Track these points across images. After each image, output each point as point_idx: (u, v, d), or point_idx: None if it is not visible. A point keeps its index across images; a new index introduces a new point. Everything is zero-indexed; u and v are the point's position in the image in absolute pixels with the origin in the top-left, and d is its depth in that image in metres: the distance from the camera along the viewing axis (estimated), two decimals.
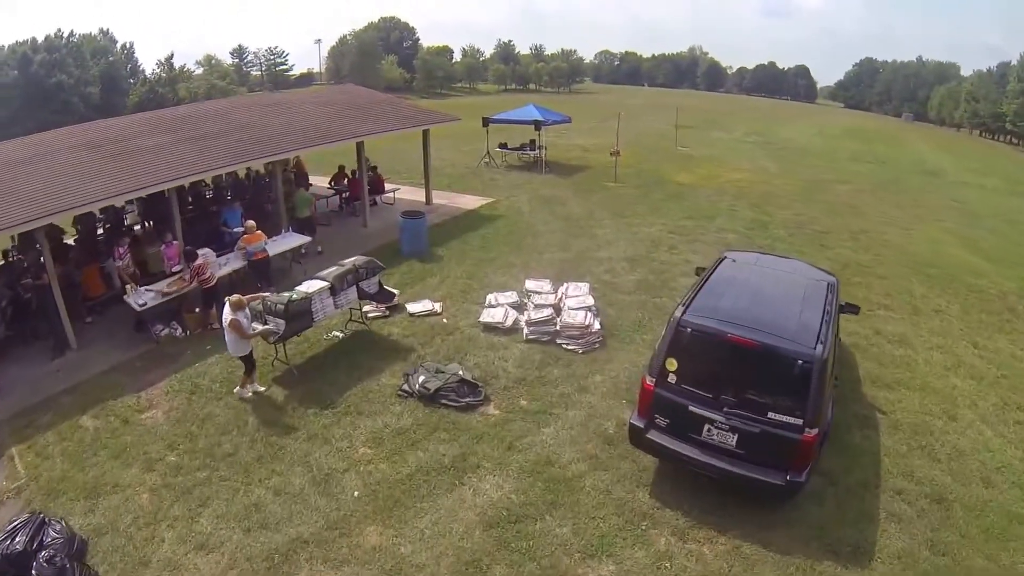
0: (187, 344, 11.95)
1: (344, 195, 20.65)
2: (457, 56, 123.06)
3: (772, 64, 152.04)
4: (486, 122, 28.48)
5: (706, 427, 7.31)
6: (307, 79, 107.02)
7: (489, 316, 12.01)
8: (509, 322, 11.85)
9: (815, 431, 6.93)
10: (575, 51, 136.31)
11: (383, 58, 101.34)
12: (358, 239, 17.54)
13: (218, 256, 13.55)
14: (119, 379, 10.79)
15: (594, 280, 14.14)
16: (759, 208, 21.56)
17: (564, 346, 11.24)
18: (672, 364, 7.38)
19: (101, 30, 70.80)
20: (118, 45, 71.80)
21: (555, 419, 9.39)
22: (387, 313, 12.62)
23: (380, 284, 12.03)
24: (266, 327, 10.01)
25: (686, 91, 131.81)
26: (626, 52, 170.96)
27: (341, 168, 21.23)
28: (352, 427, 9.28)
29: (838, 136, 50.23)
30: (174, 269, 13.10)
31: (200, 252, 12.55)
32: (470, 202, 21.59)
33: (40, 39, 60.86)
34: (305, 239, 15.45)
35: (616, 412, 9.51)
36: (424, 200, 21.31)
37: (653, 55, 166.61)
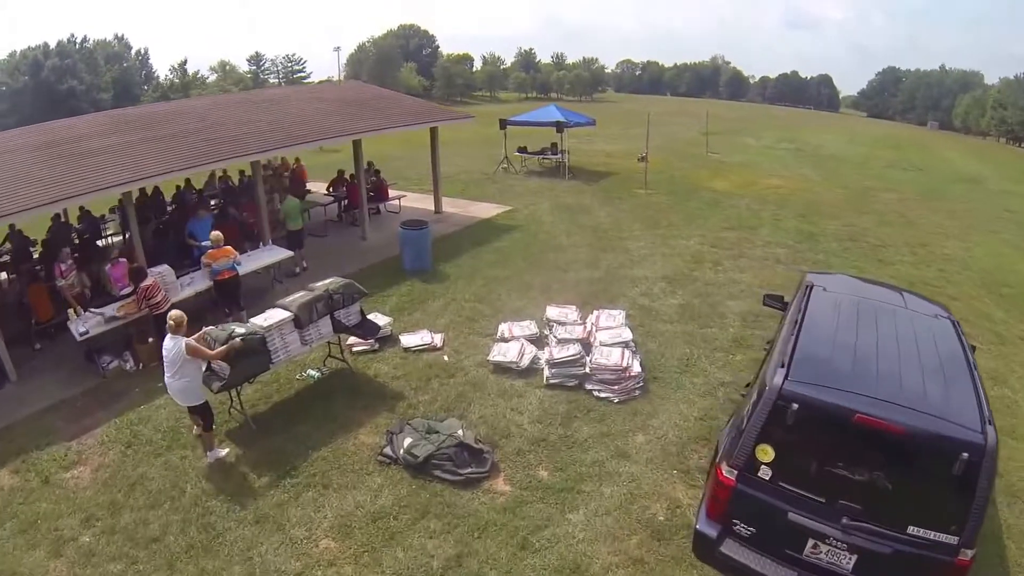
0: (137, 380, 9.88)
1: (344, 203, 18.44)
2: (477, 64, 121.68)
3: (795, 74, 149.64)
4: (504, 124, 26.37)
5: (811, 543, 4.94)
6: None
7: (501, 353, 9.66)
8: (526, 361, 9.49)
9: (972, 553, 4.58)
10: (596, 59, 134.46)
11: (402, 65, 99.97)
12: (355, 253, 15.36)
13: (185, 275, 11.41)
14: (53, 422, 8.80)
15: (629, 305, 11.86)
16: (805, 218, 19.30)
17: (596, 393, 8.88)
18: (766, 453, 4.99)
19: (116, 36, 70.04)
20: (133, 51, 70.78)
21: (585, 500, 7.02)
22: (375, 347, 10.34)
23: (362, 313, 9.71)
24: (231, 342, 7.68)
25: (708, 100, 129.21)
26: (648, 61, 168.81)
27: (340, 173, 19.13)
28: (315, 507, 7.00)
29: (869, 143, 47.63)
30: (123, 291, 10.93)
31: (154, 271, 10.40)
32: (485, 210, 19.33)
33: (52, 44, 59.84)
34: (285, 254, 13.20)
35: (666, 489, 7.16)
36: (433, 208, 19.07)
37: (675, 64, 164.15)
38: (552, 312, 10.72)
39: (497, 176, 25.40)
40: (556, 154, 26.30)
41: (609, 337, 9.54)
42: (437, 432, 7.58)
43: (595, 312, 10.58)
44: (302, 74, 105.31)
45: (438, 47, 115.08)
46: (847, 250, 16.17)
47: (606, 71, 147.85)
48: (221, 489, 7.32)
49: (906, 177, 30.59)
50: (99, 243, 15.20)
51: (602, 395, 8.82)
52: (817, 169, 30.68)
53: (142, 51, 71.98)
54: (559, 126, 25.08)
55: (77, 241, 14.46)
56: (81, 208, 15.85)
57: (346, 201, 18.27)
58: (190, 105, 18.32)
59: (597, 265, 14.34)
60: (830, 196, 23.35)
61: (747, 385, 8.05)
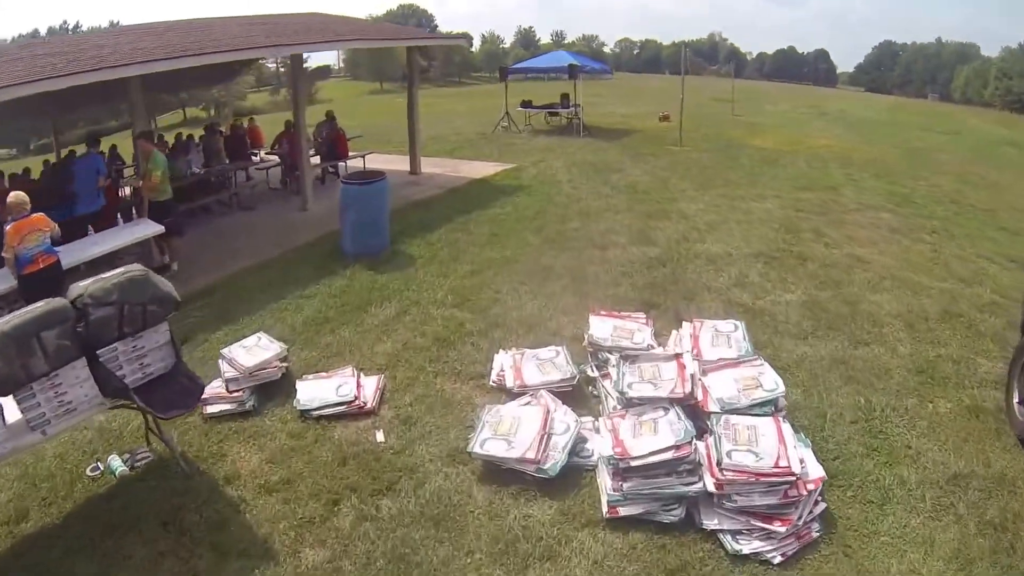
0: None
1: (286, 164, 13.25)
2: (477, 45, 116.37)
3: (792, 49, 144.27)
4: (505, 73, 21.61)
5: None
6: (325, 71, 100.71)
7: (499, 432, 4.30)
8: (557, 458, 4.17)
9: None
10: (597, 36, 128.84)
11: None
12: (283, 231, 10.27)
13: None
14: None
15: (724, 305, 6.77)
16: (882, 178, 14.40)
17: (729, 543, 3.64)
18: None
19: (111, 22, 65.03)
20: None
21: None
22: (247, 405, 5.24)
23: (174, 350, 4.38)
24: None
25: (708, 77, 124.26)
26: (646, 40, 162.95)
27: (288, 125, 13.80)
28: None
29: (888, 110, 42.67)
30: None
31: None
32: (478, 170, 14.02)
33: (43, 31, 55.27)
34: (143, 232, 7.98)
35: None
36: (408, 168, 13.80)
37: (673, 42, 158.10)
38: (600, 328, 5.33)
39: (496, 135, 20.12)
40: (568, 107, 21.02)
41: (737, 390, 4.27)
42: None
43: (685, 326, 5.31)
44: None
45: (436, 27, 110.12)
46: (960, 215, 11.40)
47: (605, 50, 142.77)
48: None
49: (946, 140, 26.20)
50: None
51: (745, 548, 3.57)
52: (853, 131, 26.27)
53: None
54: (572, 71, 19.87)
55: None
56: None
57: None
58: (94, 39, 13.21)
59: (649, 237, 9.05)
60: (887, 156, 18.76)
61: None
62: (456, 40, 15.33)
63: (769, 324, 6.33)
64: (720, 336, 5.00)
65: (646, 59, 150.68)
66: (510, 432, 4.19)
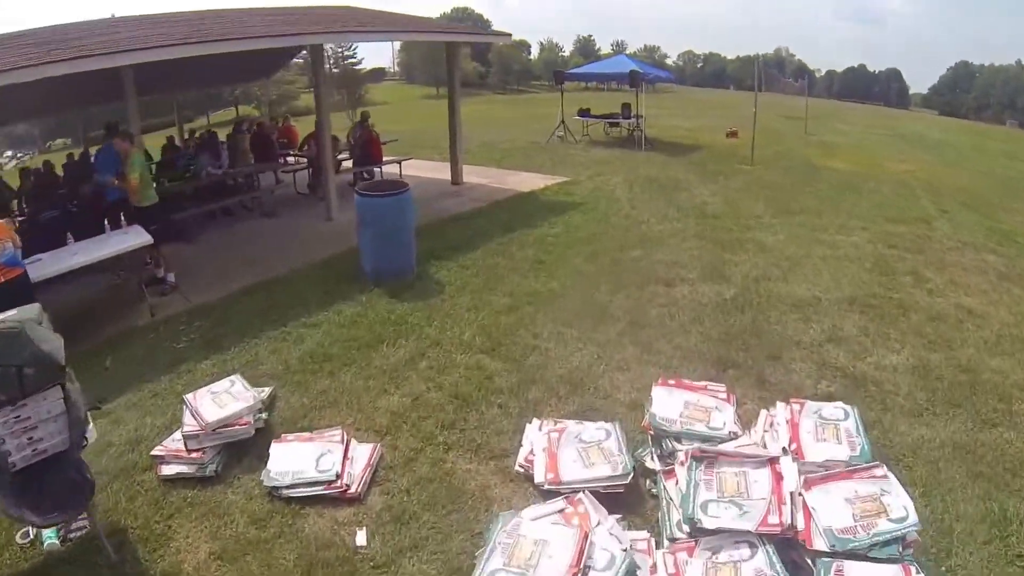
0: None
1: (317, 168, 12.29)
2: (535, 52, 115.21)
3: (862, 67, 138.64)
4: (560, 78, 20.18)
5: None
6: (379, 74, 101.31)
7: (514, 562, 3.00)
8: None
9: None
10: (659, 47, 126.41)
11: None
12: (302, 243, 9.24)
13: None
14: None
15: (816, 367, 5.38)
16: (977, 211, 12.63)
17: None
18: None
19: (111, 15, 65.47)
20: None
21: None
22: (208, 469, 4.22)
23: (69, 441, 3.21)
24: None
25: (774, 94, 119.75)
26: (710, 53, 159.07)
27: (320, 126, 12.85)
28: None
29: (968, 133, 39.83)
30: None
31: None
32: (528, 182, 12.78)
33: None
34: (135, 241, 6.98)
35: None
36: (449, 178, 12.66)
37: (738, 56, 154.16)
38: (666, 404, 4.01)
39: (551, 145, 18.84)
40: (629, 118, 19.65)
41: (852, 516, 2.99)
42: None
43: (779, 409, 3.97)
44: (353, 60, 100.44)
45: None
46: None
47: (667, 61, 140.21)
48: None
49: None
50: None
51: None
52: (934, 156, 24.27)
53: None
54: (633, 78, 18.45)
55: None
56: None
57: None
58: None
59: (723, 273, 7.65)
60: (975, 185, 16.90)
61: None
62: (499, 37, 14.14)
63: (875, 397, 4.92)
64: (826, 426, 3.68)
65: (710, 72, 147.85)
66: (529, 564, 2.93)
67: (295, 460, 4.06)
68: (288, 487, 3.91)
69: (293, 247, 8.93)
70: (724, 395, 4.12)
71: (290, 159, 13.31)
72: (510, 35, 13.45)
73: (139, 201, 7.45)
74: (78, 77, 7.04)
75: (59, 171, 11.23)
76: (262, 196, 11.40)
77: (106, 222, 7.67)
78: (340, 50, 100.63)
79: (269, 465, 4.06)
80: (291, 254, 8.58)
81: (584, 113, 20.83)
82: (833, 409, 3.85)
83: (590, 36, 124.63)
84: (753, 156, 16.31)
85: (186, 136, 14.25)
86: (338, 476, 3.91)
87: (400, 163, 12.80)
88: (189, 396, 4.59)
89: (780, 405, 3.97)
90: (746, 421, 4.14)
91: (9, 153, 45.71)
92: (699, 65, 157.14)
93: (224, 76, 16.57)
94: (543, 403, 4.68)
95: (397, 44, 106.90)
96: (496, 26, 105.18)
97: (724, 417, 3.84)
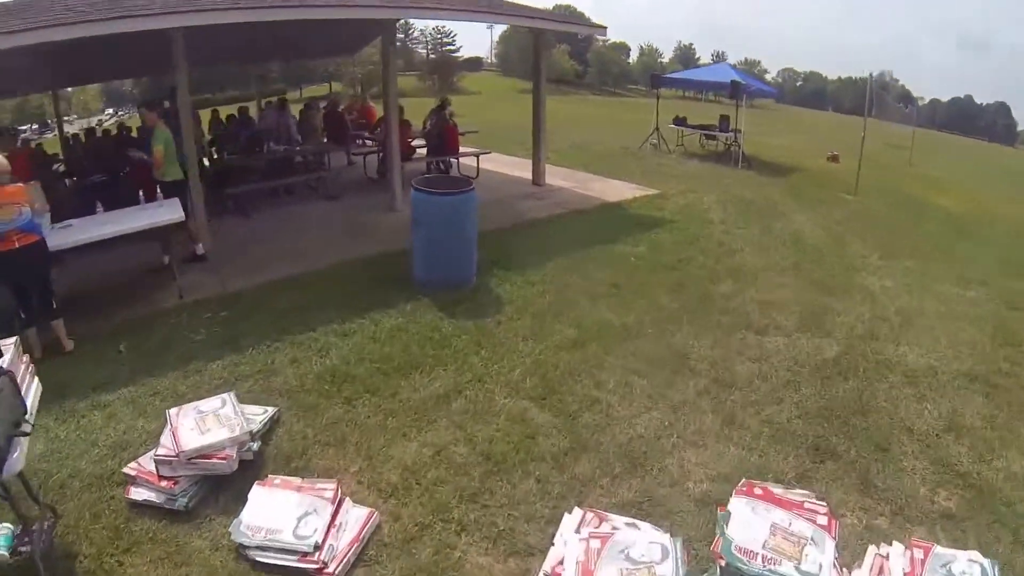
0: None
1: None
2: (634, 56, 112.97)
3: (969, 98, 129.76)
4: (656, 81, 19.08)
5: None
6: (475, 63, 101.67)
7: None
8: None
9: None
10: (759, 62, 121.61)
11: (555, 46, 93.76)
12: (357, 233, 8.49)
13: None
14: None
15: (929, 461, 4.20)
16: None
17: None
18: None
19: None
20: None
21: None
22: (176, 504, 3.59)
23: None
24: None
25: (876, 120, 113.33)
26: (810, 71, 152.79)
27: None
28: None
29: None
30: None
31: None
32: (614, 191, 11.71)
33: None
34: (169, 216, 6.40)
35: None
36: (531, 178, 11.73)
37: (839, 77, 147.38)
38: (748, 525, 2.92)
39: (643, 152, 17.70)
40: (726, 131, 18.29)
41: None
42: None
43: (894, 552, 2.90)
44: (451, 47, 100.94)
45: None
46: None
47: (767, 77, 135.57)
48: None
49: None
50: None
51: None
52: None
53: None
54: (735, 89, 17.03)
55: None
56: None
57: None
58: None
59: (824, 323, 6.42)
60: None
61: None
62: (593, 29, 13.04)
63: (1006, 523, 3.69)
64: None
65: (809, 91, 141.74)
66: None
67: (274, 515, 3.26)
68: (257, 548, 3.12)
69: (344, 237, 8.24)
70: (824, 518, 3.03)
71: (366, 142, 12.69)
72: (605, 28, 12.30)
73: (162, 175, 7.06)
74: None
75: None
76: (328, 178, 10.77)
77: (141, 193, 7.20)
78: (439, 36, 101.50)
79: (243, 514, 3.29)
80: (341, 244, 7.89)
81: (680, 122, 19.59)
82: (967, 565, 2.75)
83: (691, 44, 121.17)
84: (857, 185, 14.82)
85: (262, 107, 13.88)
86: (317, 548, 3.09)
87: (478, 156, 11.95)
88: (173, 412, 3.87)
89: (896, 548, 2.90)
90: (843, 543, 3.07)
91: (110, 111, 47.64)
92: (798, 83, 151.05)
93: (303, 50, 16.19)
94: (592, 483, 3.70)
95: (495, 35, 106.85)
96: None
97: (821, 557, 2.77)
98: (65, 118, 19.66)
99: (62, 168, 10.07)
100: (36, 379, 3.30)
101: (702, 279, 7.34)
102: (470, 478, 3.71)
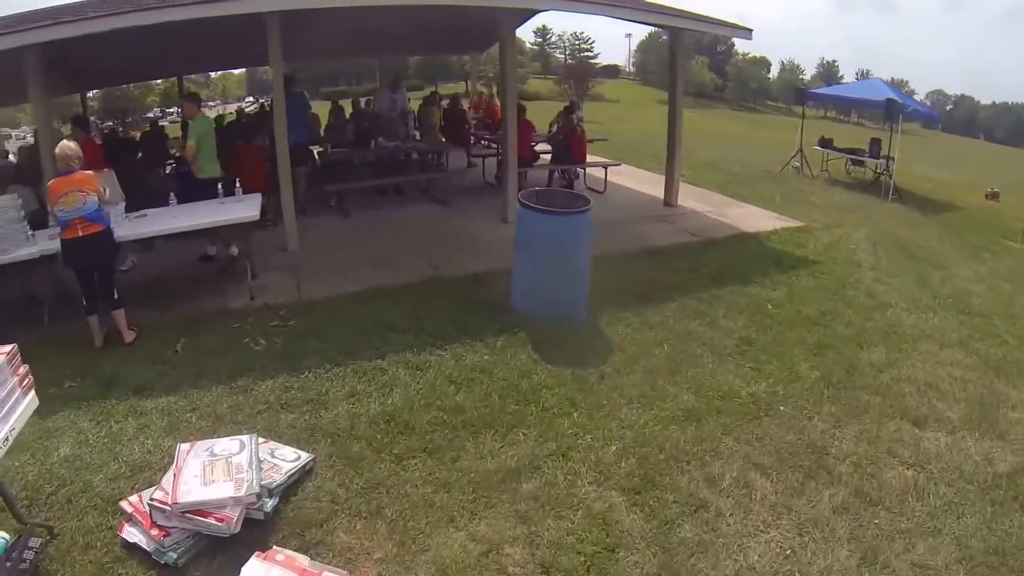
0: None
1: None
2: (775, 72, 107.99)
3: None
4: (804, 96, 17.73)
5: None
6: (613, 70, 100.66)
7: None
8: None
9: None
10: (907, 82, 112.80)
11: (694, 58, 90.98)
12: (459, 245, 7.87)
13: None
14: None
15: None
16: None
17: None
18: None
19: None
20: None
21: None
22: (163, 559, 3.00)
23: None
24: None
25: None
26: (962, 95, 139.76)
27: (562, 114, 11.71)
28: None
29: None
30: None
31: None
32: (753, 219, 10.38)
33: None
34: (246, 213, 5.99)
35: None
36: (662, 198, 10.65)
37: (993, 103, 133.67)
38: None
39: (784, 175, 16.15)
40: (877, 158, 16.33)
41: None
42: None
43: None
44: (589, 54, 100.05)
45: (733, 44, 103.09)
46: None
47: (915, 98, 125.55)
48: None
49: None
50: None
51: None
52: None
53: None
54: (890, 108, 15.01)
55: None
56: None
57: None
58: None
59: (996, 421, 4.79)
60: None
61: None
62: (736, 31, 11.63)
63: None
64: None
65: (960, 117, 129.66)
66: None
67: None
68: None
69: (446, 247, 7.54)
70: None
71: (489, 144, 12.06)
72: (750, 31, 10.95)
73: (197, 171, 6.72)
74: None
75: None
76: (440, 179, 10.16)
77: (220, 187, 6.87)
78: (577, 41, 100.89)
79: None
80: (439, 256, 7.20)
81: (825, 144, 17.72)
82: None
83: (834, 61, 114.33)
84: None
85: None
86: None
87: (607, 168, 11.00)
88: (184, 447, 3.33)
89: None
90: None
91: (250, 99, 50.06)
92: (948, 107, 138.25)
93: (425, 45, 15.77)
94: None
95: (634, 44, 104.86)
96: (740, 46, 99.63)
97: None
98: (209, 103, 20.40)
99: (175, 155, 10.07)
100: (31, 393, 2.97)
101: (849, 341, 6.04)
102: None
